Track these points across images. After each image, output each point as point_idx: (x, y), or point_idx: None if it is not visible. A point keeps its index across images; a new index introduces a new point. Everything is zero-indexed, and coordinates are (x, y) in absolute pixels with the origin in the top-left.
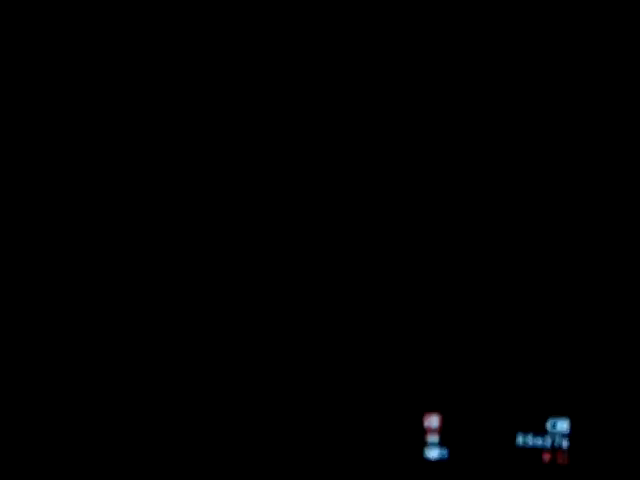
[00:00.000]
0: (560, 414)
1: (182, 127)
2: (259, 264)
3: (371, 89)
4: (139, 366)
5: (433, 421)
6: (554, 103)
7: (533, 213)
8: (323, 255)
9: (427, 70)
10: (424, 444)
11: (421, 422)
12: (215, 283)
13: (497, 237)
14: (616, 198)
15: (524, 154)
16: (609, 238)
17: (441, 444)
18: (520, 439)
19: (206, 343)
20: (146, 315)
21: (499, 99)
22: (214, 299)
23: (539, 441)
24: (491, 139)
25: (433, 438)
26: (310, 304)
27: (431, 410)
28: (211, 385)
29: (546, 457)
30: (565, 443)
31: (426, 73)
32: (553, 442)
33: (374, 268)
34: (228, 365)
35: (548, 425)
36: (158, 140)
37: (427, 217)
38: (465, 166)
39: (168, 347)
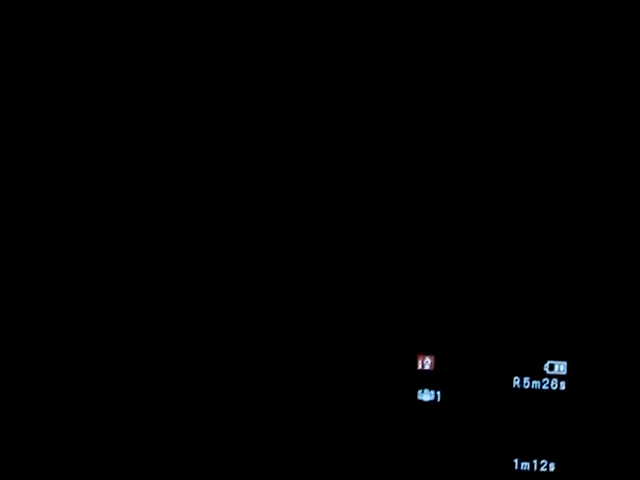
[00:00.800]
0: (558, 357)
1: (182, 127)
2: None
3: (371, 89)
4: (139, 366)
5: (426, 363)
6: (554, 103)
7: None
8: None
9: (427, 70)
10: (417, 386)
11: (414, 364)
12: (215, 283)
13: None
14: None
15: (524, 153)
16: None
17: (434, 386)
18: (516, 381)
19: (206, 342)
20: (146, 315)
21: (499, 99)
22: (214, 299)
23: (536, 384)
24: (491, 139)
25: (426, 380)
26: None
27: (425, 352)
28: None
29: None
30: (563, 386)
31: (426, 73)
32: (550, 385)
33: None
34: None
35: (545, 367)
36: (158, 140)
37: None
38: (464, 163)
39: (168, 347)
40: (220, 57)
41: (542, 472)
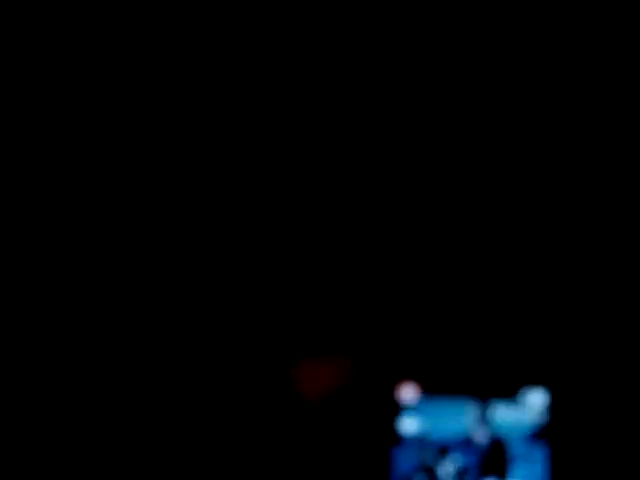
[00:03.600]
0: (535, 384)
1: (182, 127)
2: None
3: (371, 89)
4: (139, 366)
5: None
6: (554, 103)
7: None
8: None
9: (427, 70)
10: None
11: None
12: (214, 282)
13: (471, 210)
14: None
15: (523, 152)
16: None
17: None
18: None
19: (205, 342)
20: (146, 315)
21: (499, 99)
22: (213, 298)
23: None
24: (491, 138)
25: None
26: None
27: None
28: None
29: None
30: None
31: (426, 73)
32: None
33: (352, 247)
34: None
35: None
36: (158, 140)
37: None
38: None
39: (168, 347)
40: (220, 57)
41: None
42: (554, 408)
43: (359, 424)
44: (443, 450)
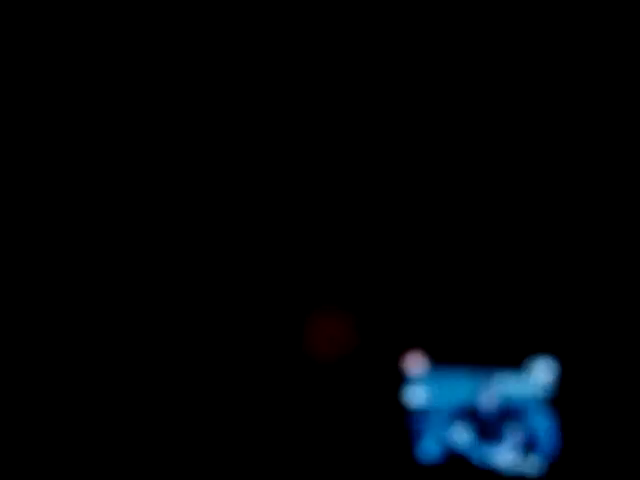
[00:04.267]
0: (541, 354)
1: (182, 127)
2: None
3: (371, 89)
4: (139, 366)
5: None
6: (554, 103)
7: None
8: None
9: (427, 70)
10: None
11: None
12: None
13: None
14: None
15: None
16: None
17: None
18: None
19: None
20: (146, 315)
21: (499, 99)
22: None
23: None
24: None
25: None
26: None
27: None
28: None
29: None
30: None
31: (426, 73)
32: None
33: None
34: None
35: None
36: (158, 140)
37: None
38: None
39: (168, 347)
40: (220, 57)
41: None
42: (562, 377)
43: (368, 395)
44: (452, 419)
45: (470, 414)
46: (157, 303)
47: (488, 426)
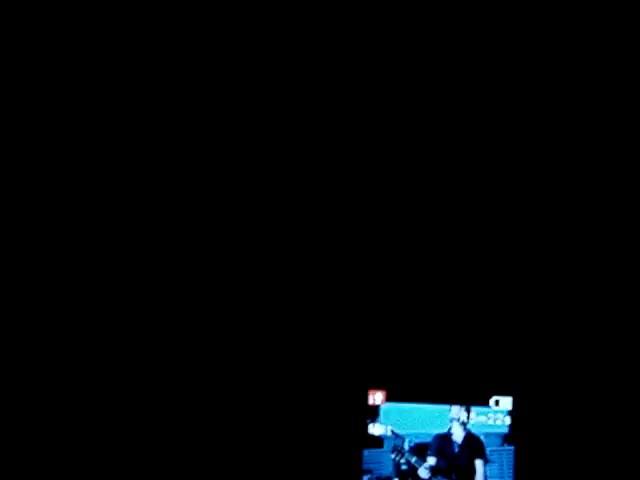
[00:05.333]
0: (503, 393)
1: (182, 127)
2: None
3: (371, 89)
4: (139, 366)
5: (377, 398)
6: (554, 103)
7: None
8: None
9: (427, 70)
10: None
11: (366, 399)
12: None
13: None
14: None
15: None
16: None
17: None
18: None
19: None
20: (146, 315)
21: (499, 99)
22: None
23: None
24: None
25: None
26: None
27: (375, 387)
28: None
29: None
30: (508, 420)
31: (426, 73)
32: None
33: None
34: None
35: (491, 403)
36: (158, 140)
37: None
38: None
39: (168, 347)
40: (220, 57)
41: None
42: (520, 414)
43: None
44: (418, 451)
45: (432, 448)
46: (157, 302)
47: (450, 460)
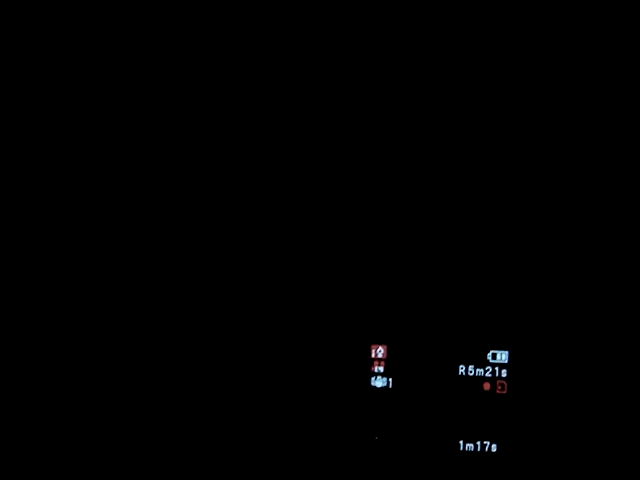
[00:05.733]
0: (500, 347)
1: (182, 127)
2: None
3: (371, 89)
4: (139, 366)
5: (379, 352)
6: (554, 103)
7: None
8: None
9: (427, 70)
10: (370, 374)
11: (368, 352)
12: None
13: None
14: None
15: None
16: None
17: (386, 374)
18: (462, 369)
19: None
20: (146, 315)
21: (500, 99)
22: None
23: (480, 371)
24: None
25: (379, 368)
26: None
27: (378, 342)
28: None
29: (486, 386)
30: (504, 373)
31: (427, 73)
32: (493, 373)
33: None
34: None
35: (489, 356)
36: (158, 140)
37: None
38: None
39: (168, 347)
40: (220, 57)
41: (485, 452)
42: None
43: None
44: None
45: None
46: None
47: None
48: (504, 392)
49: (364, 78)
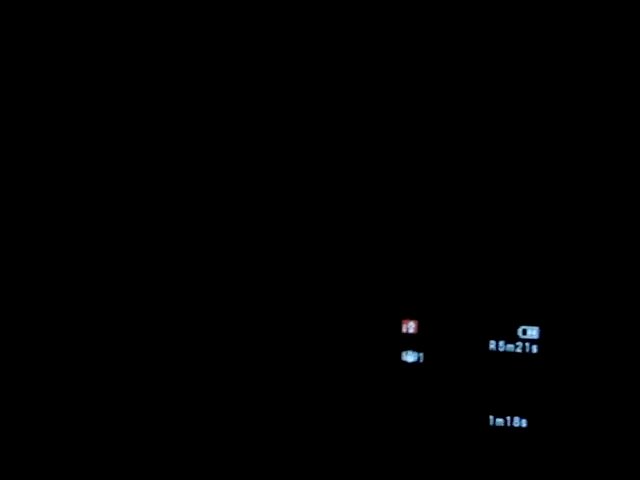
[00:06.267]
0: (531, 322)
1: (182, 127)
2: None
3: (371, 89)
4: (139, 366)
5: (410, 327)
6: (554, 103)
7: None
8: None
9: (427, 70)
10: (401, 348)
11: (399, 328)
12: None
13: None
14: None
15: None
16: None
17: (417, 348)
18: (492, 345)
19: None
20: (146, 315)
21: (499, 99)
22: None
23: (510, 347)
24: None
25: (410, 343)
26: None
27: (408, 317)
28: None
29: (516, 362)
30: (535, 349)
31: (426, 73)
32: (524, 349)
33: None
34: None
35: (519, 332)
36: (158, 140)
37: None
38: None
39: (168, 347)
40: (220, 57)
41: (515, 428)
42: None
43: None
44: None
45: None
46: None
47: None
48: (534, 368)
49: (364, 77)
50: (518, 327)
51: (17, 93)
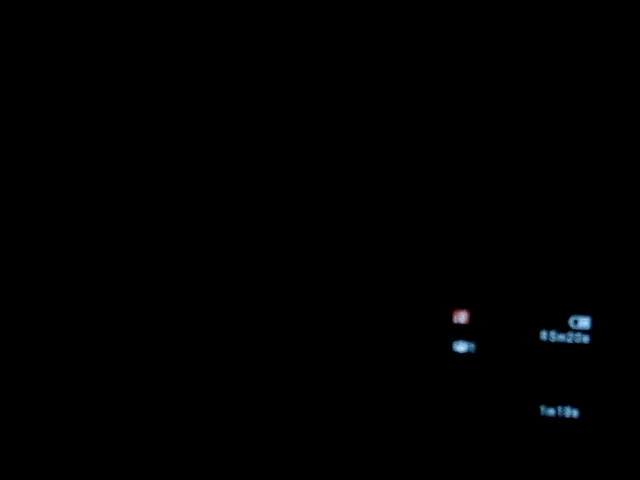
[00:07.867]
0: (582, 312)
1: (182, 127)
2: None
3: (371, 89)
4: (139, 366)
5: (462, 317)
6: (554, 103)
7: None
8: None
9: (427, 70)
10: (453, 338)
11: (450, 318)
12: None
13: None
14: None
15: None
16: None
17: (468, 338)
18: (543, 335)
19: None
20: (146, 316)
21: (500, 99)
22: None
23: (561, 337)
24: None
25: (461, 333)
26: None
27: (460, 307)
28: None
29: (568, 352)
30: (586, 339)
31: (426, 73)
32: (575, 339)
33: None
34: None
35: (570, 322)
36: (158, 140)
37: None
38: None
39: (168, 347)
40: (220, 57)
41: (566, 418)
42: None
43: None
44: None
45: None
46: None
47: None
48: (586, 358)
49: (364, 77)
50: (570, 317)
51: (17, 93)
